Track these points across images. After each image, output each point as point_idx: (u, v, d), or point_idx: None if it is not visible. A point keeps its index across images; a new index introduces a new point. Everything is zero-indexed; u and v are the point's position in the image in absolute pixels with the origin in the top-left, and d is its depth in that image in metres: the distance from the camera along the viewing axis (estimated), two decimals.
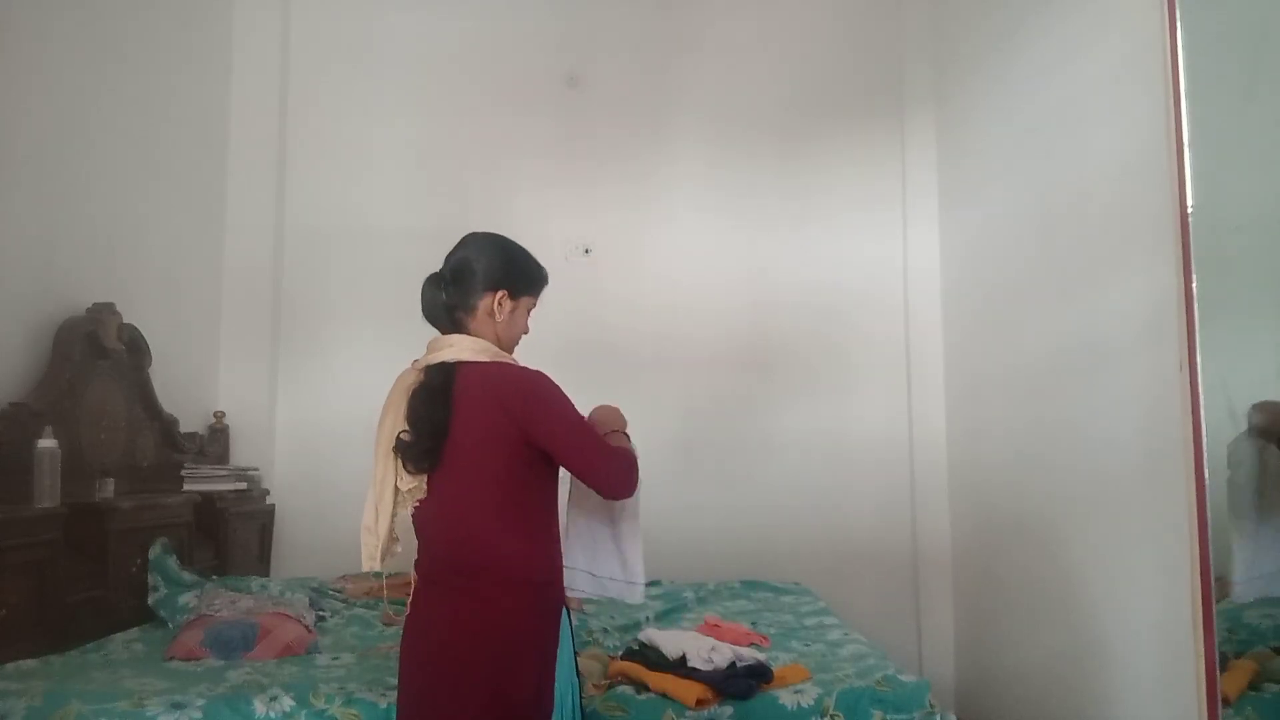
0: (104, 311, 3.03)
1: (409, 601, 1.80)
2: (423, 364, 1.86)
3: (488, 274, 1.92)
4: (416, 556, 1.82)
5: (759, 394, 4.19)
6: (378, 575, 3.69)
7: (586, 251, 4.21)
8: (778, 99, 4.33)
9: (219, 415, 3.87)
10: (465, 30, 4.30)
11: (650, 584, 3.61)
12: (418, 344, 4.45)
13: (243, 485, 3.67)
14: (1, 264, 2.75)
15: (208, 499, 3.45)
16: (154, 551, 2.98)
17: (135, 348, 3.22)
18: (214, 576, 3.24)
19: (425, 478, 1.78)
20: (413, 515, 1.80)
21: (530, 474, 1.76)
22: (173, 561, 3.00)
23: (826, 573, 3.93)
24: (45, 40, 2.96)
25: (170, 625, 2.78)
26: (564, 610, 1.81)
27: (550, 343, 4.17)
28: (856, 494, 4.13)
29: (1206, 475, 2.11)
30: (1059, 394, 2.99)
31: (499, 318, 1.91)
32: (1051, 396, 3.05)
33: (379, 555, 1.81)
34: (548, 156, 4.27)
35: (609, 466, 1.78)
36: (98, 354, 3.01)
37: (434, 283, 1.96)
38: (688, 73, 4.34)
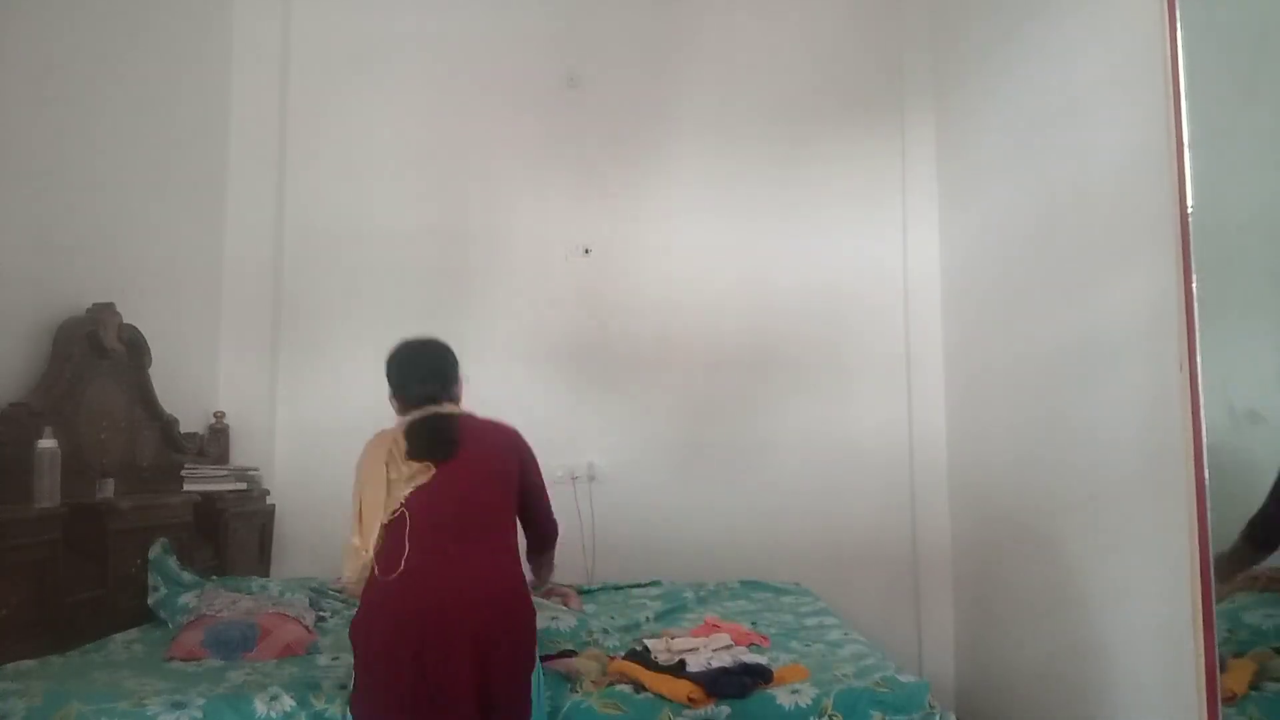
0: (104, 311, 3.03)
1: (403, 562, 1.99)
2: (412, 417, 2.14)
3: (457, 369, 2.30)
4: (407, 529, 2.03)
5: (759, 394, 4.19)
6: None
7: (586, 251, 4.21)
8: (777, 99, 4.33)
9: (219, 415, 3.87)
10: (465, 30, 4.31)
11: (650, 584, 3.62)
12: None
13: (243, 485, 3.67)
14: (1, 264, 2.75)
15: (208, 499, 3.44)
16: (154, 551, 2.98)
17: (135, 348, 3.22)
18: (214, 577, 3.24)
19: (431, 466, 2.05)
20: (406, 501, 2.03)
21: (515, 494, 2.18)
22: (173, 562, 3.00)
23: (826, 573, 3.92)
24: (45, 41, 2.97)
25: (170, 625, 2.79)
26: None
27: (550, 343, 4.21)
28: (856, 494, 4.13)
29: (1206, 475, 2.11)
30: (1059, 394, 2.99)
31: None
32: (1051, 396, 3.05)
33: (364, 548, 2.06)
34: (548, 156, 4.27)
35: (555, 524, 2.37)
36: (98, 354, 3.01)
37: (428, 378, 2.21)
38: (688, 73, 4.33)
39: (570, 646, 2.56)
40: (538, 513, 2.29)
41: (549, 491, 2.32)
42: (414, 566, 1.97)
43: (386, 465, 2.06)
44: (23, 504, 2.53)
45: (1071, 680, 2.84)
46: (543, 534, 2.34)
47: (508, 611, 2.01)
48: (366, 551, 2.02)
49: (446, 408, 2.18)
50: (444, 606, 1.94)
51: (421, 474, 2.04)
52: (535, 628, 2.10)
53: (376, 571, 2.00)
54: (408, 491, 2.03)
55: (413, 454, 2.06)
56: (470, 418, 2.20)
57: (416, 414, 2.15)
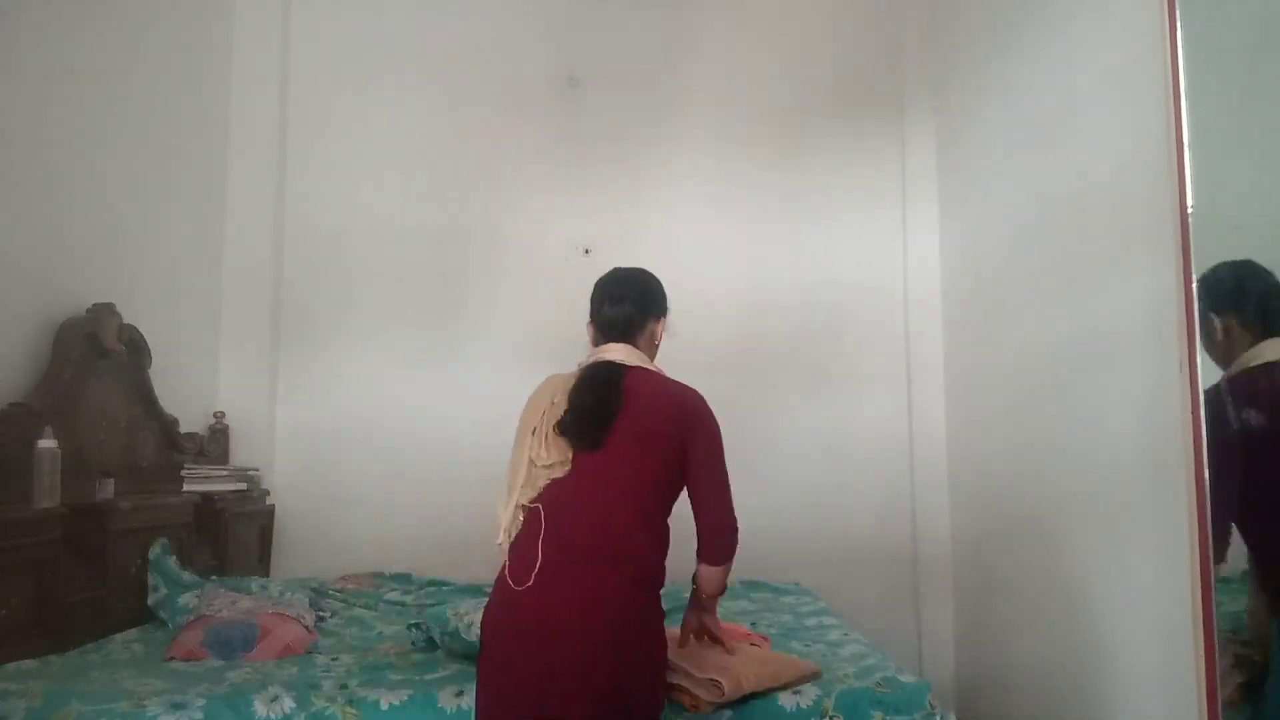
0: (104, 311, 3.03)
1: (533, 576, 1.84)
2: (588, 362, 2.05)
3: (660, 303, 2.22)
4: (541, 533, 1.87)
5: (759, 394, 4.19)
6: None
7: (586, 252, 4.20)
8: (777, 98, 4.33)
9: (219, 415, 3.87)
10: (465, 30, 4.31)
11: None
12: (418, 344, 4.48)
13: (243, 485, 3.67)
14: (1, 264, 2.75)
15: (208, 499, 3.44)
16: (154, 552, 2.97)
17: (135, 348, 3.22)
18: (214, 577, 3.23)
19: (570, 457, 1.91)
20: (543, 493, 1.91)
21: (674, 480, 1.96)
22: (173, 562, 3.00)
23: (826, 573, 3.92)
24: (45, 40, 2.96)
25: (170, 626, 2.78)
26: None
27: (550, 342, 4.19)
28: (856, 494, 4.13)
29: (1206, 475, 2.11)
30: (1059, 394, 2.99)
31: (657, 340, 2.20)
32: (1051, 396, 3.05)
33: (507, 530, 1.93)
34: (548, 156, 4.27)
35: (728, 520, 2.03)
36: (98, 354, 3.01)
37: (623, 299, 2.14)
38: (688, 73, 4.34)
39: None
40: (703, 500, 1.98)
41: (728, 481, 2.01)
42: (543, 583, 1.82)
43: (533, 433, 1.94)
44: (23, 504, 2.53)
45: (1072, 680, 2.84)
46: (712, 528, 2.01)
47: (624, 664, 1.82)
48: (505, 529, 1.92)
49: (622, 354, 2.04)
50: (564, 644, 1.78)
51: (560, 465, 1.91)
52: (656, 678, 1.91)
53: (506, 569, 1.87)
54: (544, 481, 1.92)
55: (561, 428, 1.91)
56: (644, 375, 2.01)
57: (592, 359, 2.05)
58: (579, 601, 1.81)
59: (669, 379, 2.06)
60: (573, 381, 1.99)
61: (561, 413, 1.94)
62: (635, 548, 1.89)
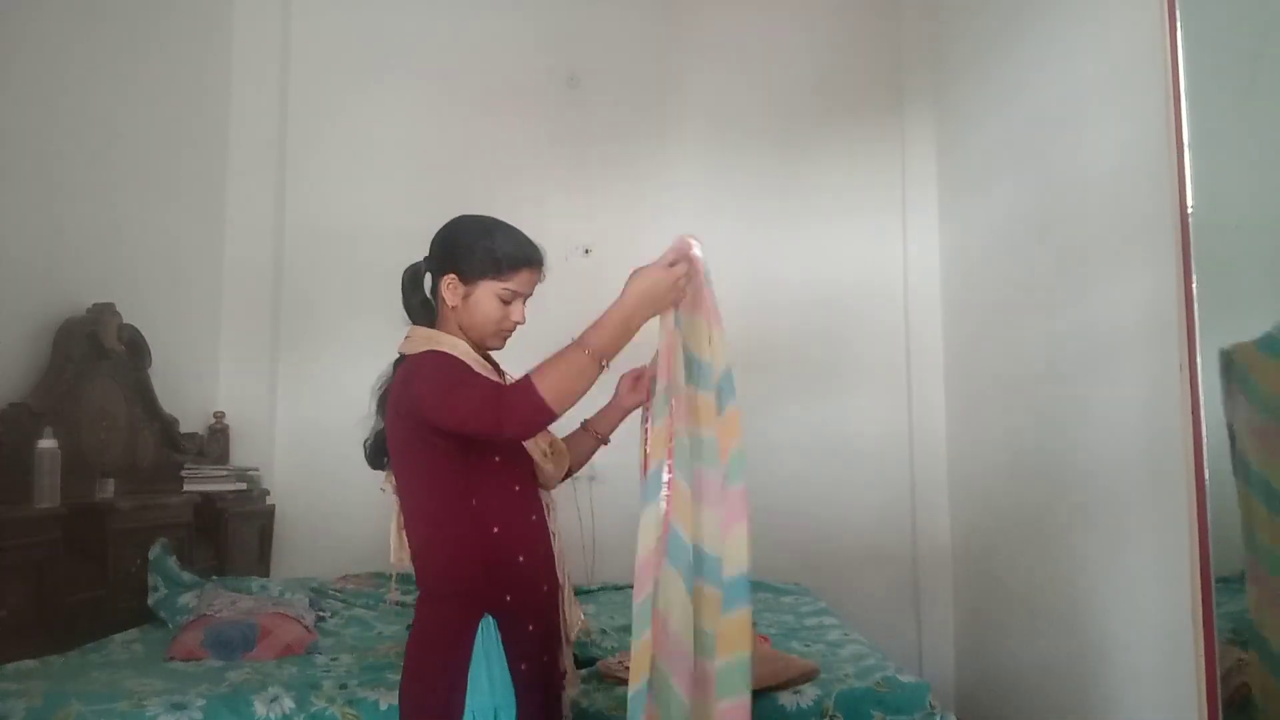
0: (104, 311, 3.03)
1: None
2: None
3: (438, 257, 1.77)
4: None
5: (759, 394, 4.17)
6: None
7: (586, 252, 4.20)
8: (777, 99, 4.33)
9: (219, 415, 3.87)
10: (465, 30, 4.31)
11: None
12: None
13: (243, 485, 3.67)
14: (1, 264, 2.76)
15: (208, 499, 3.45)
16: (154, 552, 2.97)
17: (135, 348, 3.22)
18: (214, 577, 3.24)
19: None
20: None
21: (449, 467, 1.56)
22: (173, 562, 3.00)
23: (826, 573, 3.92)
24: (45, 40, 2.97)
25: (170, 626, 2.78)
26: (491, 621, 1.53)
27: (550, 343, 4.19)
28: (856, 494, 4.13)
29: (1206, 475, 2.11)
30: (1059, 394, 2.99)
31: (451, 303, 1.71)
32: (1051, 396, 3.04)
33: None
34: (548, 156, 4.27)
35: (469, 409, 1.52)
36: (98, 354, 3.01)
37: (409, 273, 1.81)
38: (688, 73, 4.34)
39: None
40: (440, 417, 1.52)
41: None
42: None
43: None
44: (23, 504, 2.54)
45: (1071, 680, 2.84)
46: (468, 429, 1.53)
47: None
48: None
49: (406, 343, 1.69)
50: None
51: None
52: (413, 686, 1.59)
53: None
54: None
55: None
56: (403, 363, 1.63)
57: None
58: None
59: (416, 354, 1.63)
60: None
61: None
62: (422, 560, 1.61)
